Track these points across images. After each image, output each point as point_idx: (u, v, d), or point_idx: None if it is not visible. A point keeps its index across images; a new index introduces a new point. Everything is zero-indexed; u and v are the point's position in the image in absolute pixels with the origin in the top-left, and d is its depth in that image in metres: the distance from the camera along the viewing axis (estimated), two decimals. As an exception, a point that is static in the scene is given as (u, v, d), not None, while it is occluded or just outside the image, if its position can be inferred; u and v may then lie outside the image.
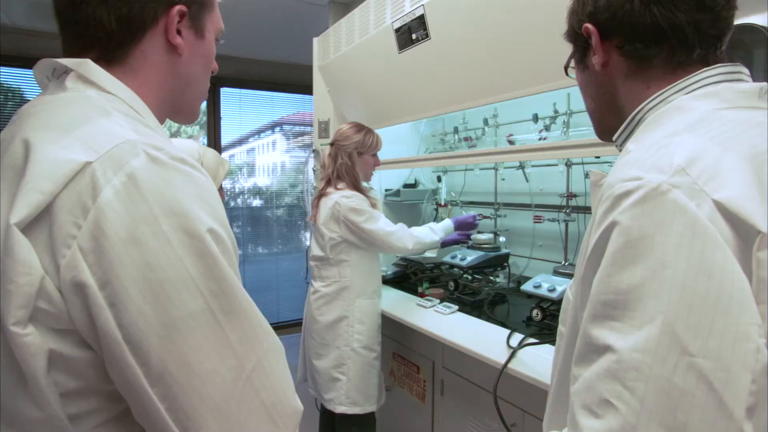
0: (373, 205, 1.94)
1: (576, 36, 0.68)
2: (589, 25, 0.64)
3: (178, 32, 0.62)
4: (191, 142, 1.68)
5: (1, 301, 0.44)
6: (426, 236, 2.00)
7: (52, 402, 0.46)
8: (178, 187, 0.49)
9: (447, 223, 2.08)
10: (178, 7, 0.61)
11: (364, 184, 2.03)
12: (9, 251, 0.44)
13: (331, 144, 2.00)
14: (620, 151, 0.64)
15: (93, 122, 0.50)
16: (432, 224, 2.07)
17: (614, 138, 0.66)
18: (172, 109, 0.66)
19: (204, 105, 3.94)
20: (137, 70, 0.60)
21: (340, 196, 1.88)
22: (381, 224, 1.89)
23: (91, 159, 0.46)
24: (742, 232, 0.44)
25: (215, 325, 0.49)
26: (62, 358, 0.46)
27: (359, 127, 1.97)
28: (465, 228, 2.16)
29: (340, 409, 1.89)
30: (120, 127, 0.50)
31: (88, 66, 0.56)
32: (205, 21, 0.66)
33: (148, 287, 0.45)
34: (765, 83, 0.56)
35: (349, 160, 1.93)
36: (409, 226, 2.54)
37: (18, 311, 0.44)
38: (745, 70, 0.58)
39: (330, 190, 1.94)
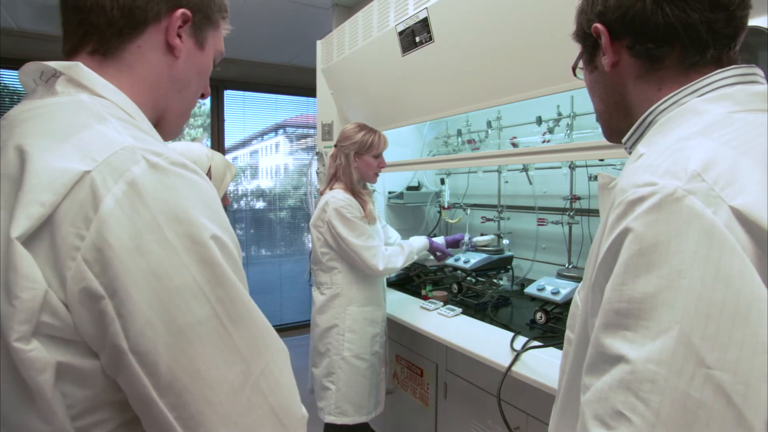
0: (369, 211, 1.88)
1: (585, 36, 0.67)
2: (598, 25, 0.63)
3: (179, 36, 0.62)
4: (199, 146, 1.64)
5: (3, 318, 0.42)
6: (397, 261, 1.88)
7: (59, 415, 0.45)
8: (179, 193, 0.48)
9: (422, 242, 2.01)
10: (182, 10, 0.61)
11: (369, 186, 2.01)
12: (12, 266, 0.42)
13: (335, 145, 1.98)
14: (630, 153, 0.63)
15: (89, 129, 0.48)
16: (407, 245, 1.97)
17: (624, 140, 0.65)
18: (158, 117, 0.65)
19: (208, 107, 3.94)
20: (132, 66, 0.60)
21: (331, 197, 1.85)
22: (360, 235, 1.81)
23: (89, 168, 0.45)
24: (760, 239, 0.42)
25: (222, 332, 0.48)
26: (71, 369, 0.45)
27: (361, 127, 1.93)
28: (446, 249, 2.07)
29: (328, 418, 1.82)
30: (117, 133, 0.49)
31: (78, 69, 0.54)
32: (207, 34, 0.66)
33: (154, 296, 0.44)
34: None
35: (345, 161, 1.90)
36: (413, 228, 2.54)
37: (21, 327, 0.42)
38: (760, 72, 0.57)
39: (327, 190, 1.92)
